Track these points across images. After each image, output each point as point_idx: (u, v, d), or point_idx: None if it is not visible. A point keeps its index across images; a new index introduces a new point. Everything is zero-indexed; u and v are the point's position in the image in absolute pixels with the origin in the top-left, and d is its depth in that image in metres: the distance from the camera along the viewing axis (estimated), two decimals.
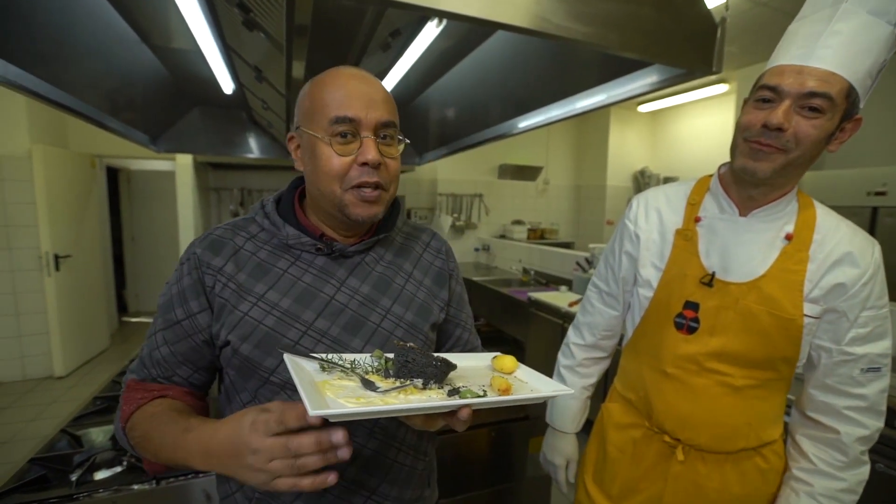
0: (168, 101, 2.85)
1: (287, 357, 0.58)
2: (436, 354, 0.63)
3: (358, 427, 0.71)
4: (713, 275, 0.88)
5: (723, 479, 0.91)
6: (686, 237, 0.93)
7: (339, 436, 0.50)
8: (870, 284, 0.81)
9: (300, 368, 0.57)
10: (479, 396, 0.58)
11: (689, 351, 0.90)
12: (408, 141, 0.76)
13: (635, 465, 0.99)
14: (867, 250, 0.82)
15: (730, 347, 0.86)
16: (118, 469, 1.08)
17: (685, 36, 1.07)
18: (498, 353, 0.76)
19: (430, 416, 0.58)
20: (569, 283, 3.64)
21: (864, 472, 0.84)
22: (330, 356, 0.63)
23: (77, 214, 4.03)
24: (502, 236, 5.42)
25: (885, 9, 0.74)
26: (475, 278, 4.17)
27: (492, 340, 4.52)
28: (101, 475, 1.06)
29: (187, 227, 4.13)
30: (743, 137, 0.82)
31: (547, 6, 0.95)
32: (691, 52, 1.08)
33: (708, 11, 1.12)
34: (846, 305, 0.81)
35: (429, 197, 5.31)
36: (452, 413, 0.56)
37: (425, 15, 1.21)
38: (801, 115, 0.76)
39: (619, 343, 1.13)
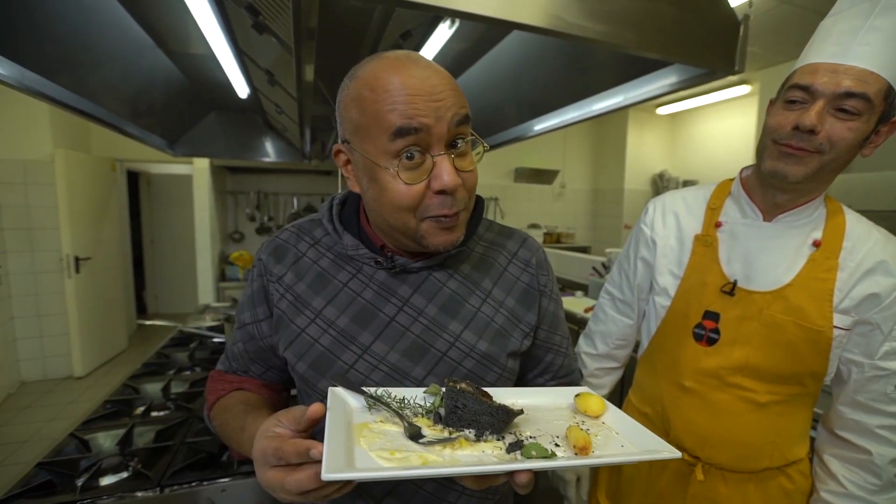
0: (185, 106, 2.89)
1: (331, 392, 0.54)
2: (494, 399, 0.53)
3: None
4: (735, 283, 0.84)
5: (745, 500, 0.85)
6: (706, 243, 0.89)
7: None
8: None
9: (338, 408, 0.51)
10: (545, 455, 0.47)
11: (710, 364, 0.85)
12: (487, 145, 0.62)
13: (651, 483, 0.94)
14: None
15: (753, 361, 0.81)
16: (124, 475, 1.07)
17: (706, 34, 1.02)
18: (584, 390, 0.64)
19: (484, 476, 0.48)
20: (585, 289, 3.57)
21: None
22: (379, 391, 0.56)
23: (97, 217, 4.11)
24: None
25: None
26: None
27: None
28: (106, 481, 1.05)
29: (204, 229, 4.19)
30: (772, 139, 0.77)
31: (561, 4, 0.92)
32: (712, 52, 1.03)
33: (730, 9, 1.07)
34: (880, 317, 0.76)
35: None
36: (513, 472, 0.46)
37: (437, 15, 1.19)
38: (836, 116, 0.71)
39: (634, 351, 1.08)
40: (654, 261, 0.95)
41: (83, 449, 1.17)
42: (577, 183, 5.83)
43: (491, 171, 5.31)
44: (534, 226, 5.42)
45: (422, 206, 0.56)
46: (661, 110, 5.22)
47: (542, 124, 2.14)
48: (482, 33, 1.66)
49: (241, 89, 2.36)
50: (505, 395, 0.60)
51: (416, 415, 0.54)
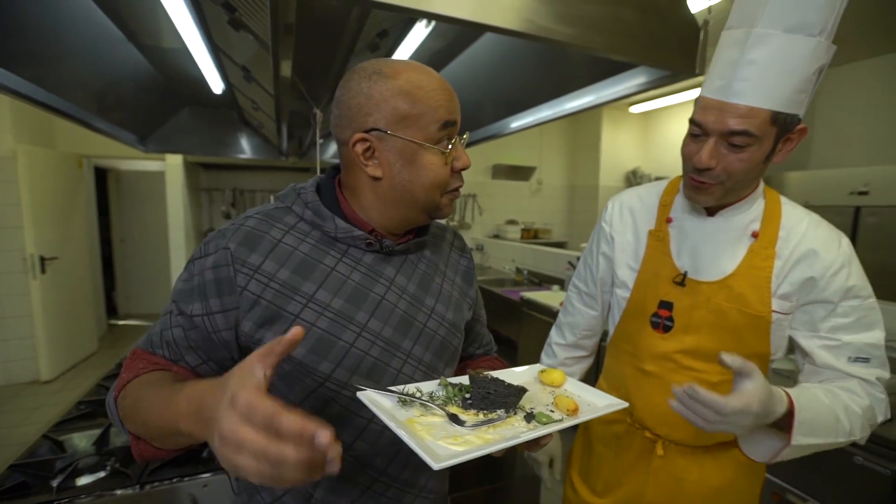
0: (157, 101, 2.82)
1: (364, 396, 0.57)
2: (507, 382, 0.64)
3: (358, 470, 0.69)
4: (685, 274, 0.90)
5: (701, 472, 0.92)
6: (658, 238, 0.95)
7: (334, 450, 0.40)
8: (841, 274, 0.81)
9: (384, 408, 0.56)
10: (554, 420, 0.59)
11: (666, 349, 0.91)
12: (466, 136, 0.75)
13: (619, 459, 1.01)
14: (832, 243, 0.83)
15: (703, 345, 0.88)
16: (101, 474, 1.07)
17: (669, 39, 1.08)
18: (544, 367, 0.77)
19: (533, 441, 0.58)
20: (561, 283, 3.65)
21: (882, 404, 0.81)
22: (406, 389, 0.62)
23: (64, 215, 3.98)
24: (496, 236, 5.42)
25: (804, 22, 0.70)
26: None
27: None
28: (83, 481, 1.04)
29: (177, 227, 4.10)
30: (686, 168, 0.86)
31: (532, 8, 0.95)
32: (675, 55, 1.08)
33: (691, 15, 1.13)
34: (820, 296, 0.82)
35: None
36: (534, 440, 0.57)
37: (413, 17, 1.21)
38: (729, 149, 0.77)
39: (604, 340, 1.14)
40: (614, 255, 1.01)
41: (57, 450, 1.15)
42: (554, 179, 5.92)
43: (469, 167, 5.35)
44: (511, 222, 5.48)
45: (448, 183, 0.69)
46: (634, 109, 5.35)
47: (517, 122, 2.19)
48: (459, 32, 1.69)
49: (216, 85, 2.32)
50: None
51: (445, 404, 0.61)
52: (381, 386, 0.62)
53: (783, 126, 0.75)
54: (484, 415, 0.60)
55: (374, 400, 0.58)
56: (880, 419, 0.81)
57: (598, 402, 0.67)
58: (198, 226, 4.73)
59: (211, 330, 0.65)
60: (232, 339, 0.66)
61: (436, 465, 0.44)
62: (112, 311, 5.57)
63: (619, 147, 5.56)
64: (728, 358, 0.65)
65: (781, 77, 0.72)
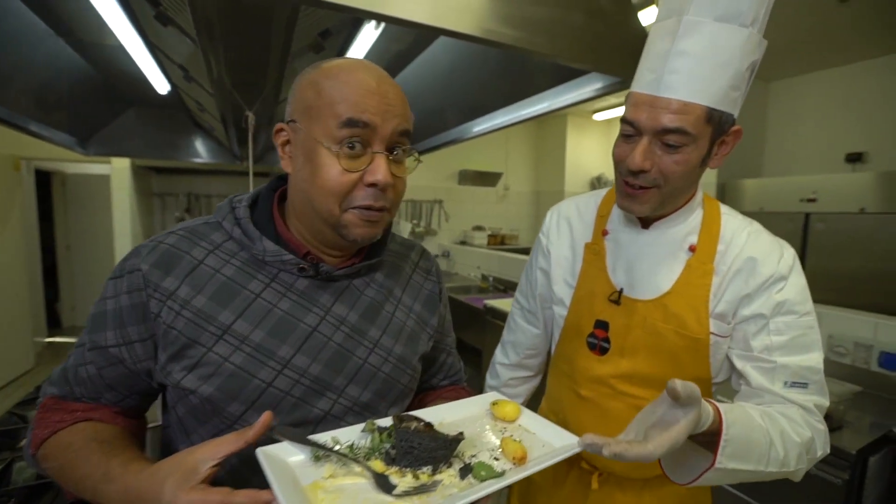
0: (96, 101, 2.65)
1: (261, 453, 0.48)
2: (439, 432, 0.55)
3: None
4: (621, 292, 0.83)
5: None
6: (594, 251, 0.88)
7: None
8: (777, 286, 0.74)
9: (281, 473, 0.46)
10: (495, 475, 0.51)
11: (602, 373, 0.85)
12: (420, 160, 0.66)
13: (556, 490, 0.94)
14: (773, 254, 0.76)
15: (640, 369, 0.81)
16: None
17: (619, 45, 1.06)
18: (497, 398, 0.69)
19: None
20: None
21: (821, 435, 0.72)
22: (324, 440, 0.53)
23: None
24: (463, 242, 5.39)
25: (735, 11, 0.65)
26: None
27: None
28: None
29: (124, 234, 3.88)
30: (618, 172, 0.78)
31: (474, 8, 0.91)
32: (625, 62, 1.06)
33: (640, 23, 1.11)
34: (753, 309, 0.75)
35: None
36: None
37: (356, 16, 1.15)
38: (664, 150, 0.70)
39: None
40: (551, 270, 0.94)
41: None
42: (520, 185, 5.95)
43: (435, 173, 5.31)
44: (478, 228, 5.46)
45: (350, 195, 0.59)
46: (597, 116, 5.43)
47: (478, 126, 2.16)
48: (415, 35, 1.64)
49: (161, 85, 2.18)
50: (431, 414, 0.62)
51: (368, 458, 0.52)
52: (301, 431, 0.55)
53: (718, 126, 0.70)
54: (413, 474, 0.51)
55: (274, 456, 0.48)
56: (820, 454, 0.72)
57: (554, 443, 0.60)
58: (149, 232, 4.50)
59: (131, 361, 0.59)
60: (149, 370, 0.60)
61: None
62: (55, 322, 5.22)
63: (583, 153, 5.64)
64: (681, 386, 0.53)
65: (714, 70, 0.66)
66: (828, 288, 2.80)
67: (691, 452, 0.66)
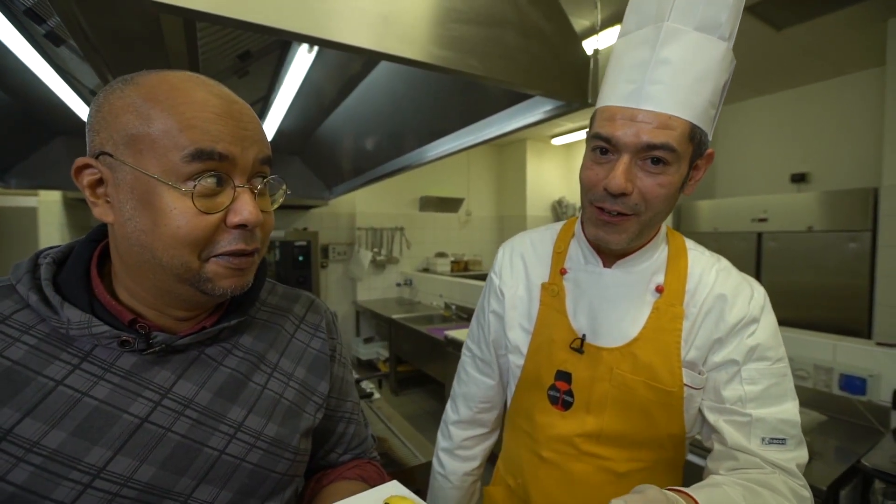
0: (17, 131, 2.43)
1: None
2: None
3: None
4: (583, 338, 0.73)
5: None
6: (553, 293, 0.78)
7: None
8: (751, 332, 0.68)
9: None
10: None
11: (565, 431, 0.74)
12: (289, 192, 0.57)
13: None
14: (743, 294, 0.70)
15: (608, 427, 0.71)
16: None
17: (560, 68, 1.00)
18: (393, 492, 0.57)
19: None
20: None
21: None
22: None
23: None
24: (426, 269, 5.27)
25: (714, 21, 0.61)
26: (396, 316, 3.95)
27: (413, 381, 4.29)
28: None
29: None
30: (588, 199, 0.68)
31: (405, 28, 0.82)
32: (567, 86, 1.00)
33: (583, 49, 1.06)
34: (726, 357, 0.68)
35: (347, 232, 5.06)
36: None
37: (279, 37, 1.04)
38: (645, 170, 0.62)
39: None
40: (504, 314, 0.83)
41: None
42: (482, 210, 5.92)
43: (396, 200, 5.21)
44: (441, 254, 5.37)
45: (212, 242, 0.48)
46: (556, 141, 5.51)
47: (433, 151, 2.07)
48: (352, 59, 1.55)
49: (83, 111, 2.00)
50: None
51: None
52: None
53: (697, 146, 0.63)
54: None
55: None
56: None
57: None
58: None
59: None
60: None
61: None
62: None
63: (543, 178, 5.69)
64: None
65: (696, 83, 0.61)
66: (785, 304, 2.86)
67: None
